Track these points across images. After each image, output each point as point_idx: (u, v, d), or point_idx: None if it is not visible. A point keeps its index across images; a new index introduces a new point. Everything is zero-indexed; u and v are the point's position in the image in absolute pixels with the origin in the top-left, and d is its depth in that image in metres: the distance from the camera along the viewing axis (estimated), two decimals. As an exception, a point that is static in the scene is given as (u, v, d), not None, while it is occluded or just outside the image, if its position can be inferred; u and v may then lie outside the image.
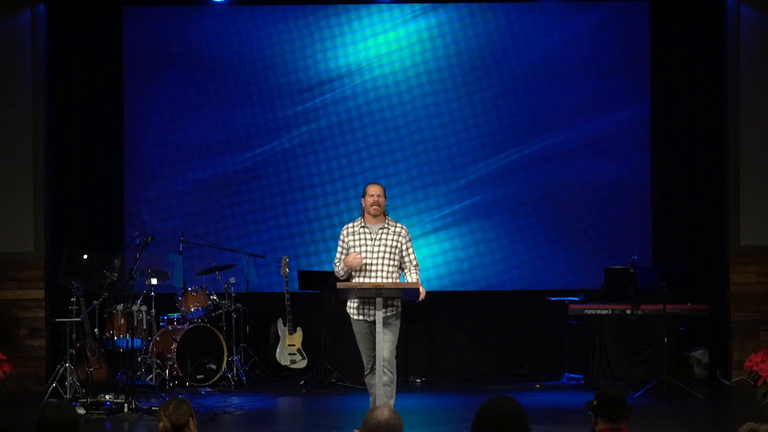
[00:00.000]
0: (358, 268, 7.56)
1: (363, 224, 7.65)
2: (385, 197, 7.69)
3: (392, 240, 7.58)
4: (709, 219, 10.82)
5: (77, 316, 9.58)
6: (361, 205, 7.74)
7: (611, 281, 10.12)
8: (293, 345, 10.62)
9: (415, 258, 7.67)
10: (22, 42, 10.35)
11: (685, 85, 10.90)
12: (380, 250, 7.56)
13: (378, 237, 7.58)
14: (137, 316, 9.90)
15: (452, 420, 8.63)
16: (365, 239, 7.60)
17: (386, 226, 7.63)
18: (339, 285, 7.51)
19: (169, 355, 10.06)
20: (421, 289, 7.42)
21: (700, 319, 10.27)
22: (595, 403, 4.57)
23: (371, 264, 7.55)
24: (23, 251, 10.33)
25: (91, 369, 9.44)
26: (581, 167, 11.03)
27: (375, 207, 7.61)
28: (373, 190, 7.66)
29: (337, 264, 7.67)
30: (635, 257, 10.05)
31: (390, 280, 7.54)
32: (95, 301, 9.83)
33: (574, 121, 11.02)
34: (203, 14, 11.17)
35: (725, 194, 10.55)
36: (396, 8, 11.10)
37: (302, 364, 10.62)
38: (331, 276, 9.44)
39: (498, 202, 11.08)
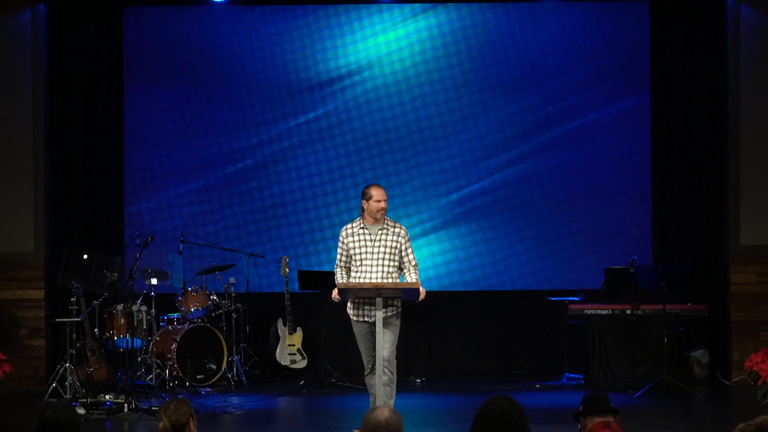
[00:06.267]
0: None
1: (362, 225, 7.63)
2: None
3: (392, 240, 7.57)
4: (709, 219, 10.82)
5: (77, 316, 9.58)
6: (362, 206, 7.68)
7: (611, 281, 10.11)
8: (293, 345, 10.62)
9: (414, 258, 7.66)
10: (22, 42, 10.34)
11: (685, 85, 10.89)
12: (380, 251, 7.55)
13: (377, 237, 7.57)
14: (137, 316, 9.89)
15: (452, 420, 8.62)
16: (365, 240, 7.58)
17: (385, 226, 7.61)
18: (339, 285, 7.52)
19: (169, 355, 10.06)
20: (421, 289, 7.41)
21: (700, 319, 10.27)
22: (581, 408, 4.62)
23: (371, 264, 7.55)
24: (23, 251, 10.32)
25: (91, 369, 9.43)
26: (581, 167, 11.03)
27: (381, 212, 7.57)
28: (380, 195, 7.56)
29: (336, 270, 7.68)
30: (635, 257, 10.04)
31: (390, 281, 7.53)
32: (95, 301, 9.82)
33: (574, 121, 11.01)
34: (203, 14, 11.17)
35: (725, 194, 10.55)
36: (396, 8, 11.09)
37: (302, 364, 10.62)
38: (331, 276, 9.44)
39: (498, 202, 11.08)
